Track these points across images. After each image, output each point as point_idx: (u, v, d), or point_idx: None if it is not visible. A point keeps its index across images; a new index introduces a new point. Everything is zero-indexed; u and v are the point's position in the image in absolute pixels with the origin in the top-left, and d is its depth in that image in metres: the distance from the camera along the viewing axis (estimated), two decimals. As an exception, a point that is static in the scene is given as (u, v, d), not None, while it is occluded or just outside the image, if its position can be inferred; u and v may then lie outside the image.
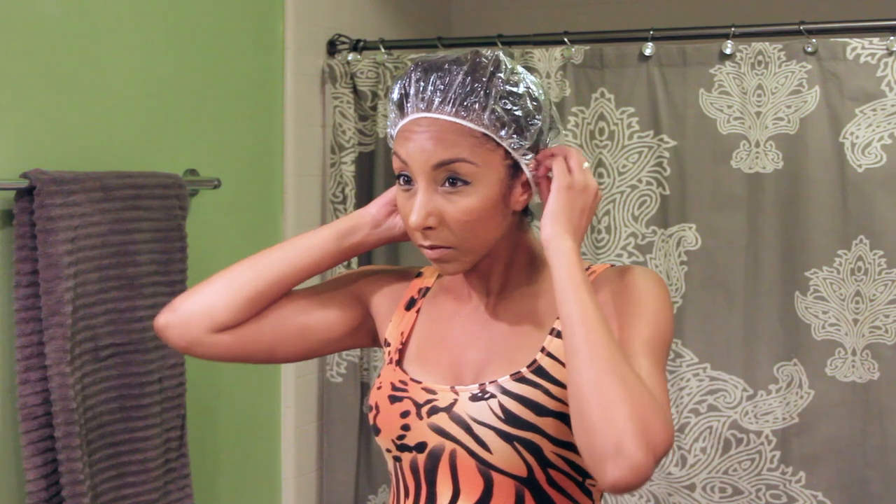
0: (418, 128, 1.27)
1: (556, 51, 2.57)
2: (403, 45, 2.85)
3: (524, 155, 1.28)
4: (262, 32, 2.60)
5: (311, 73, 2.74)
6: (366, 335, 1.47)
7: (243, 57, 2.54)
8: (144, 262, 2.05)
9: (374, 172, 2.77)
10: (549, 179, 1.30)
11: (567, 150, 1.31)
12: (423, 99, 1.26)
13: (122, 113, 2.14)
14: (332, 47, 2.79)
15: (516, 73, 1.29)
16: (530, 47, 2.63)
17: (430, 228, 1.27)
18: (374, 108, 2.75)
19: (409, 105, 1.28)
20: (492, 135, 1.26)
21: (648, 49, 2.50)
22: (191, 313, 1.39)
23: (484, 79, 1.26)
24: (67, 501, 1.87)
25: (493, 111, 1.25)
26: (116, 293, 2.01)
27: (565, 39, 2.57)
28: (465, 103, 1.25)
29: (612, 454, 1.13)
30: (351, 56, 2.76)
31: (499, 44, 2.63)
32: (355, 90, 2.75)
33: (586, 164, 1.30)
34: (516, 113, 1.26)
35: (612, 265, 1.37)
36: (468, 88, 1.25)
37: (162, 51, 2.25)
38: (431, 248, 1.29)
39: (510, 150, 1.27)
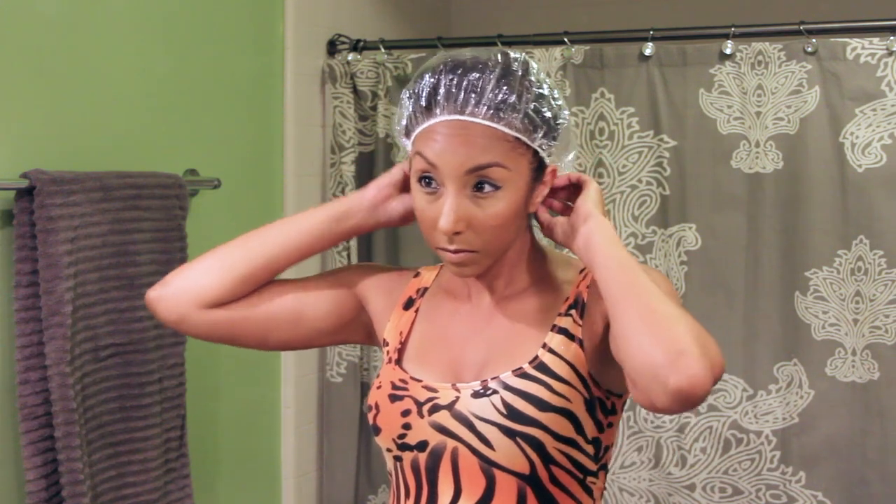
0: (448, 130, 1.25)
1: (556, 51, 2.57)
2: (403, 45, 2.85)
3: (551, 154, 1.30)
4: (262, 32, 2.60)
5: (311, 73, 2.74)
6: (360, 330, 1.47)
7: (243, 57, 2.54)
8: (144, 262, 2.05)
9: (374, 172, 2.77)
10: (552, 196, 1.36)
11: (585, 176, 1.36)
12: (455, 100, 1.25)
13: (122, 113, 2.14)
14: (332, 47, 2.79)
15: (541, 75, 1.29)
16: (530, 47, 2.63)
17: (457, 233, 1.26)
18: (374, 108, 2.75)
19: (437, 106, 1.26)
20: (525, 138, 1.26)
21: (648, 49, 2.50)
22: (181, 289, 1.40)
23: (515, 82, 1.25)
24: (67, 501, 1.86)
25: (526, 114, 1.25)
26: (116, 293, 2.01)
27: (565, 39, 2.57)
28: (499, 107, 1.24)
29: (674, 360, 1.12)
30: (351, 56, 2.76)
31: (499, 44, 2.62)
32: (355, 90, 2.75)
33: None
34: (546, 115, 1.27)
35: None
36: (502, 92, 1.24)
37: (162, 51, 2.25)
38: (455, 252, 1.28)
39: (540, 151, 1.28)
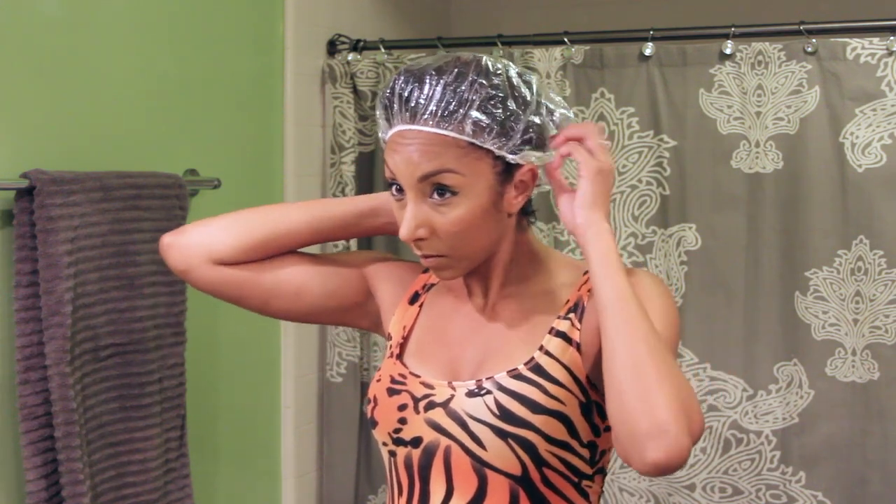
0: (404, 140, 1.27)
1: (556, 51, 2.57)
2: (403, 45, 2.85)
3: (515, 153, 1.27)
4: (262, 32, 2.60)
5: (311, 73, 2.74)
6: (365, 316, 1.48)
7: (243, 57, 2.54)
8: (144, 262, 2.05)
9: (374, 172, 2.77)
10: (558, 168, 1.31)
11: (584, 130, 1.29)
12: (406, 110, 1.26)
13: (122, 113, 2.14)
14: (332, 47, 2.79)
15: (498, 75, 1.27)
16: (530, 47, 2.63)
17: (421, 239, 1.27)
18: (374, 108, 2.75)
19: (393, 117, 1.28)
20: (476, 141, 1.25)
21: (648, 49, 2.50)
22: (195, 240, 1.42)
23: (463, 87, 1.25)
24: (67, 501, 1.86)
25: (473, 119, 1.24)
26: (116, 293, 2.01)
27: (565, 39, 2.57)
28: (444, 114, 1.24)
29: (655, 434, 1.12)
30: (351, 56, 2.76)
31: (499, 44, 2.63)
32: (355, 90, 2.75)
33: (606, 143, 1.30)
34: (498, 116, 1.25)
35: None
36: (448, 98, 1.24)
37: (162, 51, 2.25)
38: (425, 257, 1.30)
39: (497, 153, 1.26)
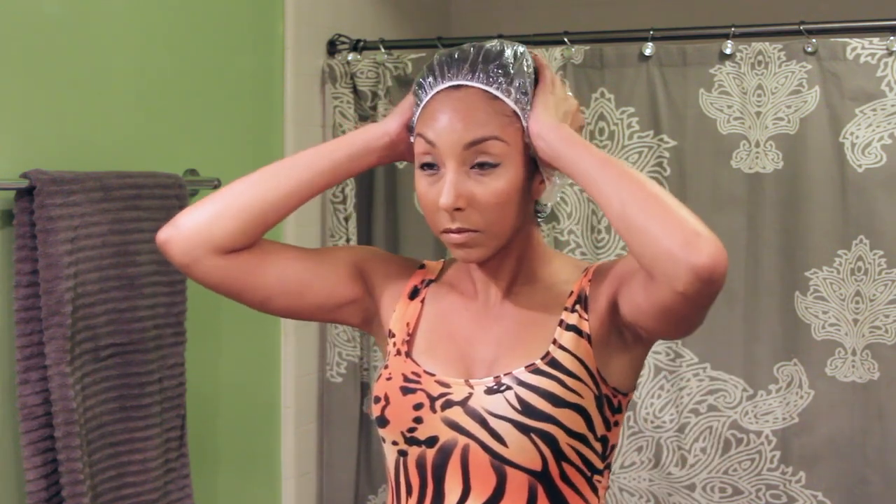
0: (445, 107, 1.27)
1: (556, 51, 2.57)
2: (403, 45, 2.85)
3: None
4: (262, 32, 2.60)
5: (311, 73, 2.74)
6: (357, 312, 1.45)
7: (243, 57, 2.54)
8: (144, 262, 2.05)
9: (374, 172, 2.77)
10: None
11: (546, 69, 1.34)
12: (449, 69, 1.28)
13: (122, 113, 2.14)
14: (332, 47, 2.79)
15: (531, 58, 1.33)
16: (530, 47, 2.61)
17: (458, 210, 1.27)
18: (374, 107, 2.75)
19: (434, 79, 1.29)
20: (517, 110, 1.28)
21: (648, 49, 2.50)
22: (192, 229, 1.37)
23: (511, 58, 1.29)
24: (67, 501, 1.86)
25: (519, 85, 1.28)
26: (116, 293, 2.00)
27: (565, 39, 2.57)
28: (492, 74, 1.27)
29: (691, 240, 1.14)
30: (351, 56, 2.76)
31: (499, 44, 2.63)
32: (355, 90, 2.75)
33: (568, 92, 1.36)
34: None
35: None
36: (495, 61, 1.28)
37: (162, 51, 2.25)
38: (458, 231, 1.28)
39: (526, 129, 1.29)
